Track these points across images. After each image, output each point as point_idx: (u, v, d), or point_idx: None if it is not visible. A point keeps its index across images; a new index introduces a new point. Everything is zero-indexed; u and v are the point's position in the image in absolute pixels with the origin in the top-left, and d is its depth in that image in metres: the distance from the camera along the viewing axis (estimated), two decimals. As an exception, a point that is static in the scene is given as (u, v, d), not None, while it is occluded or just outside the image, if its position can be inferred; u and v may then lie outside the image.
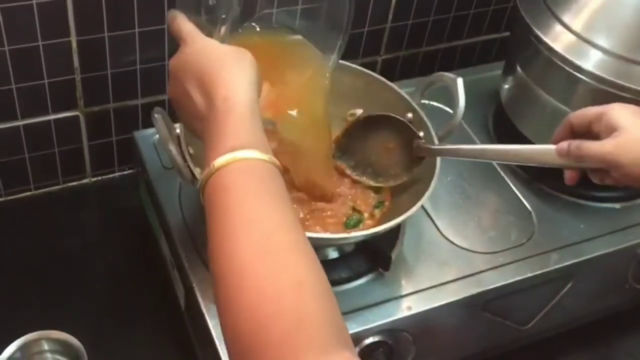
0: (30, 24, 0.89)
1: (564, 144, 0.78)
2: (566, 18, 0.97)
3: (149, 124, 1.00)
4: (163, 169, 0.97)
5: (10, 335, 0.81)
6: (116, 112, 1.04)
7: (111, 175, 1.12)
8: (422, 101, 0.96)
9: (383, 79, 0.96)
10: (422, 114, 0.93)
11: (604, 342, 1.06)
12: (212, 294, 0.83)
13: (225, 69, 0.65)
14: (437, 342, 0.93)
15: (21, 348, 0.80)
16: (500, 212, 1.00)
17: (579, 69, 0.94)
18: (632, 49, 0.93)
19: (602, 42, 0.94)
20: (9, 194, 1.06)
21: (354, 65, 0.97)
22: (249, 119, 0.62)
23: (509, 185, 1.03)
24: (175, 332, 0.94)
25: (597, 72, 0.93)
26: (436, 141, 0.90)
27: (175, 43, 0.70)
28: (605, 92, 0.93)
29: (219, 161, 0.59)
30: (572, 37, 0.96)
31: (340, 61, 0.87)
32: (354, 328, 0.84)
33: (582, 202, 1.02)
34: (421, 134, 0.91)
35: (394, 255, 0.89)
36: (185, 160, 0.79)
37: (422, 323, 0.88)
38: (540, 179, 1.03)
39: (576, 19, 0.97)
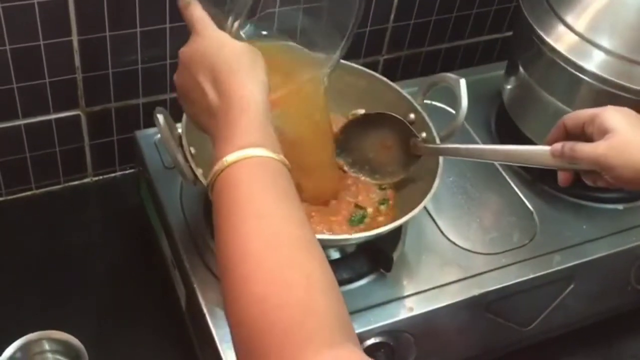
0: (31, 23, 0.89)
1: (557, 145, 0.78)
2: (569, 18, 0.97)
3: (150, 123, 1.00)
4: (164, 168, 0.97)
5: (11, 335, 0.81)
6: (117, 111, 1.04)
7: (112, 175, 1.12)
8: (424, 101, 0.96)
9: (385, 79, 0.96)
10: (425, 114, 0.92)
11: (606, 343, 1.06)
12: (212, 294, 0.84)
13: (242, 69, 0.65)
14: (438, 343, 0.93)
15: (22, 348, 0.80)
16: (502, 213, 1.00)
17: (581, 69, 0.94)
18: (634, 49, 0.93)
19: (604, 42, 0.94)
20: (10, 194, 1.06)
21: (356, 65, 0.97)
22: (262, 119, 0.63)
23: (511, 186, 1.03)
24: (176, 332, 0.94)
25: (600, 73, 0.93)
26: (438, 142, 0.90)
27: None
28: (608, 92, 0.93)
29: (231, 157, 0.60)
30: (575, 38, 0.96)
31: (342, 61, 0.87)
32: (355, 329, 0.82)
33: (585, 203, 1.02)
34: (423, 134, 0.91)
35: (395, 256, 0.89)
36: (186, 160, 0.79)
37: (424, 324, 0.88)
38: (542, 179, 1.03)
39: (579, 20, 0.97)
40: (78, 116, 1.02)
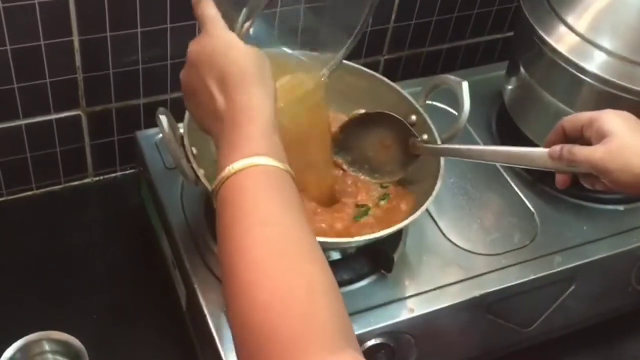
0: (32, 23, 0.89)
1: (556, 148, 0.78)
2: (570, 19, 0.97)
3: (151, 124, 1.00)
4: (165, 169, 0.97)
5: (11, 336, 0.80)
6: (118, 112, 1.04)
7: (113, 175, 1.12)
8: (426, 102, 0.96)
9: (387, 80, 0.96)
10: (426, 116, 0.92)
11: (607, 344, 1.06)
12: (213, 294, 0.84)
13: (252, 76, 0.65)
14: (439, 344, 0.93)
15: (22, 349, 0.80)
16: (503, 214, 1.00)
17: (582, 70, 0.94)
18: (636, 50, 0.93)
19: (606, 43, 0.94)
20: (11, 194, 1.06)
21: (357, 66, 0.97)
22: (269, 128, 0.63)
23: (512, 187, 1.03)
24: (177, 333, 0.94)
25: (601, 74, 0.93)
26: (440, 144, 0.90)
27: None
28: (609, 93, 0.92)
29: (237, 165, 0.60)
30: (576, 39, 0.96)
31: (344, 61, 0.87)
32: (356, 330, 0.81)
33: (586, 204, 1.02)
34: (425, 136, 0.91)
35: (396, 257, 0.89)
36: (188, 160, 0.79)
37: (425, 325, 0.88)
38: (543, 181, 1.02)
39: (580, 20, 0.97)
40: (79, 116, 1.02)
